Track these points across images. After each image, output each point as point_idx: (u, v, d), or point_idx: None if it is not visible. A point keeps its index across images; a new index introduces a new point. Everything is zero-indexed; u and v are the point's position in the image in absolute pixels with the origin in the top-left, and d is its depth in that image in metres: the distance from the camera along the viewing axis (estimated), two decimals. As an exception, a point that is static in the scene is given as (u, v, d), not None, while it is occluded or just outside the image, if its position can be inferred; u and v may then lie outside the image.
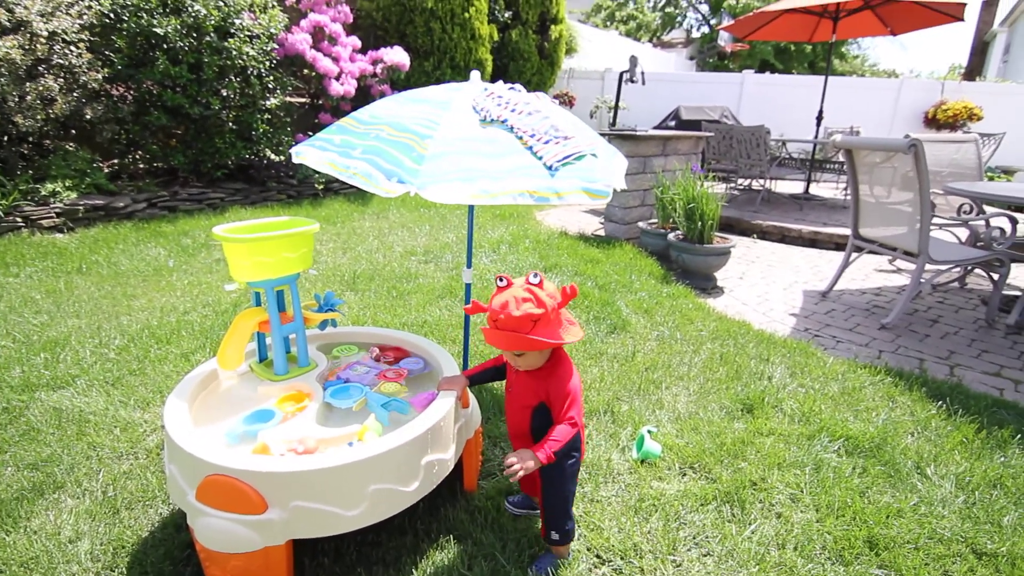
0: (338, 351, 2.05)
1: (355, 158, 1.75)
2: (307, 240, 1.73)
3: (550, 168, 1.72)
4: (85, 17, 5.09)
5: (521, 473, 1.34)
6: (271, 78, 6.17)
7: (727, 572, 1.62)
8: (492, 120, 1.81)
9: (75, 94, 5.06)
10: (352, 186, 7.45)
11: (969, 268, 4.69)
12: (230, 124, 5.96)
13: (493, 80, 1.91)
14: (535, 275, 1.43)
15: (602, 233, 5.86)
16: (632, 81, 5.89)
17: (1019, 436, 2.30)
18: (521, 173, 1.68)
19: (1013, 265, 3.73)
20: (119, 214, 5.31)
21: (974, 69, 19.11)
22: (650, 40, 22.60)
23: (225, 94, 5.76)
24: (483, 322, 1.51)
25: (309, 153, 1.86)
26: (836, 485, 1.97)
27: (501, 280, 1.44)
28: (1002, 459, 2.15)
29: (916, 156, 3.37)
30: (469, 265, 2.34)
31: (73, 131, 5.49)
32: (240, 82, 5.88)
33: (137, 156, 6.00)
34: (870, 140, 3.83)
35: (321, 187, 6.90)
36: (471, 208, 2.32)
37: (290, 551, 1.40)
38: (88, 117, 5.22)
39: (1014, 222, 3.76)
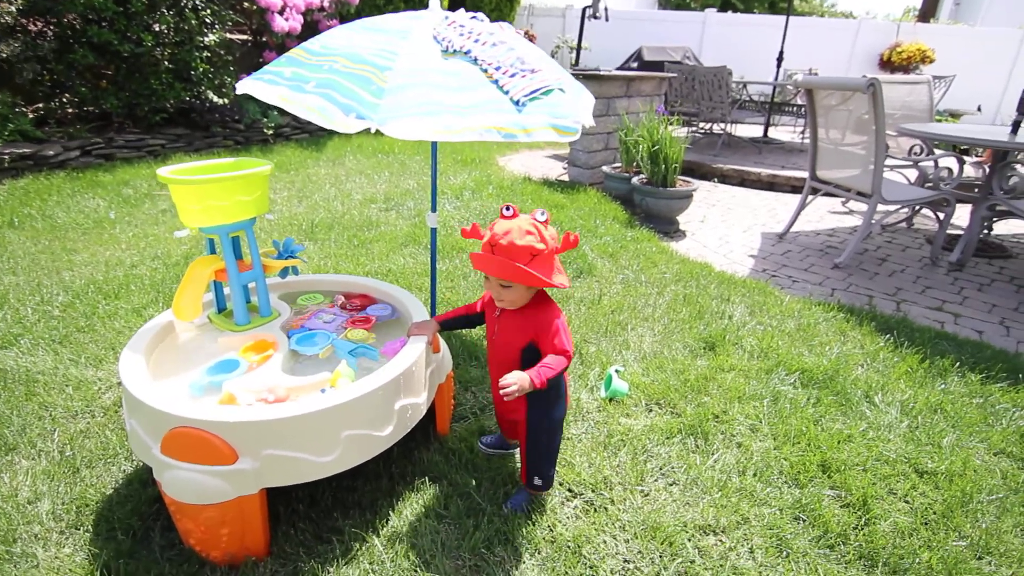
0: (302, 300, 1.98)
1: (309, 92, 1.63)
2: (261, 182, 1.63)
3: (517, 103, 1.65)
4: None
5: (516, 392, 1.33)
6: (208, 12, 5.69)
7: (692, 498, 1.71)
8: (455, 51, 1.72)
9: (-15, 27, 4.55)
10: (305, 131, 7.11)
11: (917, 208, 4.89)
12: (166, 63, 5.51)
13: (452, 10, 1.79)
14: (542, 213, 1.41)
15: (566, 178, 5.80)
16: (595, 17, 5.69)
17: (958, 365, 2.46)
18: (487, 108, 1.61)
19: (957, 205, 3.89)
20: (50, 163, 4.92)
21: (928, 11, 19.32)
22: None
23: (158, 29, 5.29)
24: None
25: (256, 87, 1.73)
26: (792, 415, 2.08)
27: (508, 209, 1.40)
28: (943, 386, 2.31)
29: (874, 95, 3.41)
30: (434, 210, 2.28)
31: (-13, 71, 4.97)
32: (174, 15, 5.40)
33: (64, 100, 5.51)
34: (831, 79, 3.86)
35: (271, 132, 6.54)
36: (434, 149, 2.23)
37: (264, 499, 1.39)
38: (4, 55, 4.72)
39: (961, 163, 3.90)
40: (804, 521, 1.64)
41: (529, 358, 1.49)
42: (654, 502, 1.69)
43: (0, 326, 2.48)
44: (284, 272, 1.86)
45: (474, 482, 1.71)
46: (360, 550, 1.48)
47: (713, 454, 1.89)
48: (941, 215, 4.02)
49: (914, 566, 1.49)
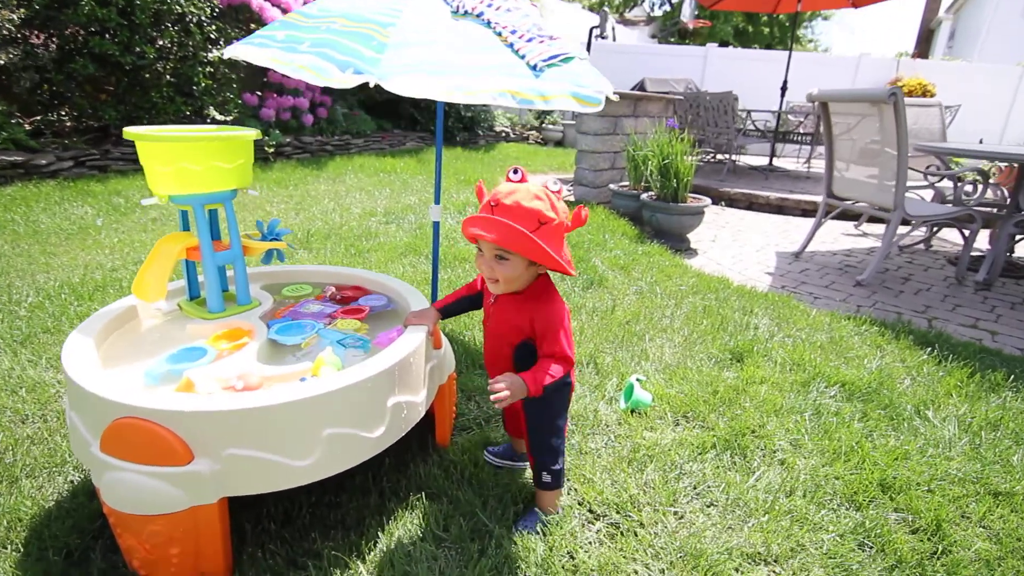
0: (287, 291, 1.77)
1: (302, 52, 1.46)
2: (244, 149, 1.44)
3: (534, 68, 1.48)
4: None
5: (508, 401, 1.11)
6: (213, 28, 5.65)
7: (735, 522, 1.46)
8: (466, 12, 1.56)
9: (-16, 35, 4.47)
10: (306, 151, 7.02)
11: (935, 230, 4.72)
12: (168, 77, 5.43)
13: None
14: (556, 182, 1.20)
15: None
16: (603, 37, 5.66)
17: (1012, 379, 2.23)
18: (501, 71, 1.44)
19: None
20: (41, 172, 4.77)
21: (921, 54, 19.75)
22: (614, 16, 22.35)
23: (162, 43, 5.23)
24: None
25: (246, 51, 1.57)
26: (838, 430, 1.83)
27: (515, 172, 1.20)
28: (998, 401, 2.07)
29: (896, 106, 3.28)
30: (437, 201, 2.09)
31: (-16, 79, 4.87)
32: (179, 31, 5.35)
33: (63, 113, 5.41)
34: (849, 91, 3.74)
35: (271, 150, 6.43)
36: (439, 135, 2.06)
37: (225, 512, 1.14)
38: (2, 63, 4.63)
39: (985, 178, 3.75)
40: (871, 549, 1.38)
41: (523, 355, 1.27)
42: (691, 526, 1.44)
43: (-43, 325, 2.26)
44: (268, 256, 1.66)
45: (479, 500, 1.47)
46: (341, 577, 1.23)
47: (754, 472, 1.64)
48: (966, 232, 3.84)
49: (1012, 605, 1.24)
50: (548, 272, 1.30)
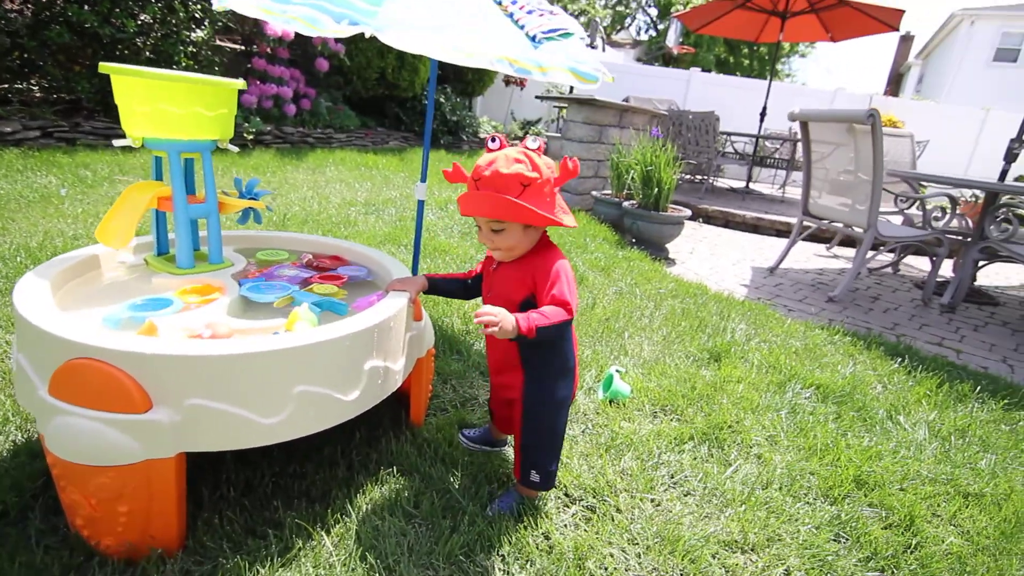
0: (262, 255, 1.69)
1: (295, 3, 1.41)
2: (227, 98, 1.38)
3: (533, 39, 1.46)
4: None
5: (493, 329, 1.04)
6: (198, 7, 5.53)
7: (712, 511, 1.43)
8: (467, -21, 1.53)
9: (-48, -8, 4.27)
10: (287, 141, 6.90)
11: (902, 255, 4.87)
12: (147, 53, 5.27)
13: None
14: (535, 140, 1.17)
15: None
16: (592, 47, 5.73)
17: (978, 391, 2.27)
18: (500, 38, 1.42)
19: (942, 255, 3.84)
20: (5, 140, 4.54)
21: (892, 95, 20.62)
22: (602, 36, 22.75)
23: (144, 18, 5.09)
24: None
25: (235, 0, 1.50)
26: (814, 428, 1.84)
27: (494, 141, 1.16)
28: (965, 410, 2.11)
29: (874, 126, 3.37)
30: (424, 180, 2.04)
31: (-51, 40, 4.64)
32: (162, 7, 5.21)
33: (33, 82, 5.19)
34: (829, 111, 3.84)
35: (251, 137, 6.29)
36: (429, 106, 2.01)
37: (182, 469, 1.07)
38: (-31, 23, 4.42)
39: (953, 204, 3.88)
40: (846, 541, 1.37)
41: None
42: (668, 513, 1.41)
43: None
44: (244, 216, 1.58)
45: (452, 478, 1.41)
46: (303, 549, 1.16)
47: (731, 464, 1.62)
48: (934, 257, 3.96)
49: (984, 597, 1.23)
50: (547, 231, 1.27)
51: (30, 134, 4.74)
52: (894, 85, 25.51)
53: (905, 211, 4.52)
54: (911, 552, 1.35)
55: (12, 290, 2.14)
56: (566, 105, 5.30)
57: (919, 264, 5.23)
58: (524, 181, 1.11)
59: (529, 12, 1.50)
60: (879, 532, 1.40)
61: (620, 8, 24.97)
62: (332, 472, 1.38)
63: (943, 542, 1.39)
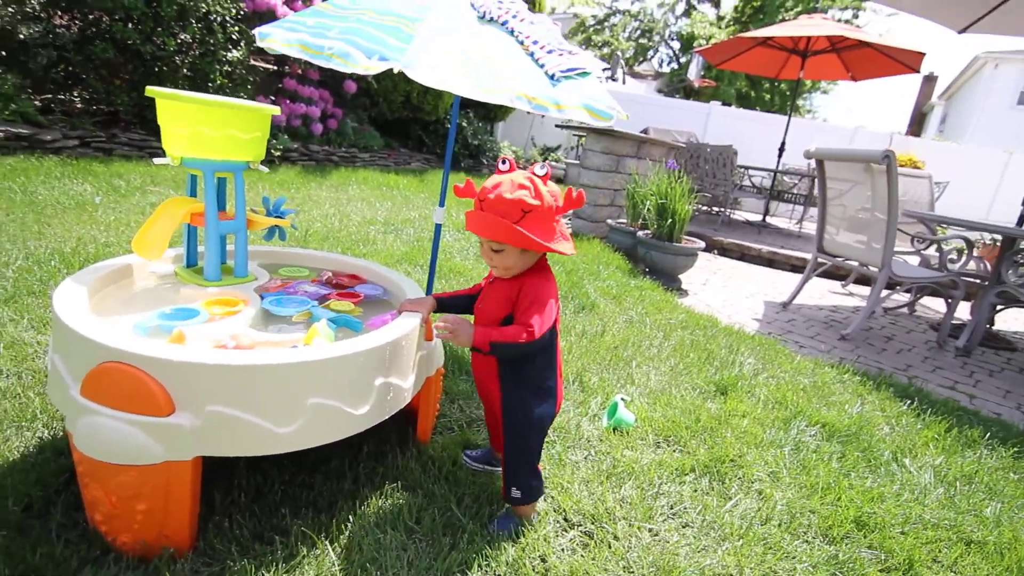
0: (284, 271, 1.77)
1: (331, 38, 1.51)
2: (261, 123, 1.47)
3: (552, 77, 1.53)
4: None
5: (446, 334, 1.20)
6: (236, 29, 5.78)
7: (709, 544, 1.44)
8: (491, 19, 1.62)
9: (10, 9, 4.53)
10: (312, 159, 7.09)
11: (919, 295, 4.83)
12: (184, 71, 5.51)
13: None
14: (543, 167, 1.23)
15: (569, 231, 5.73)
16: (612, 79, 5.85)
17: (987, 437, 2.25)
18: (520, 76, 1.49)
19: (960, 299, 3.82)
20: (45, 147, 4.76)
21: (914, 135, 20.56)
22: (622, 68, 23.14)
23: (183, 37, 5.32)
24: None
25: (276, 34, 1.61)
26: (817, 466, 1.84)
27: (504, 163, 1.24)
28: (974, 456, 2.09)
29: (889, 167, 3.40)
30: (442, 204, 2.12)
31: (3, 53, 4.91)
32: (201, 28, 5.46)
33: (75, 94, 5.45)
34: (845, 151, 3.88)
35: (278, 154, 6.49)
36: (451, 132, 2.10)
37: (198, 472, 1.12)
38: (22, 37, 4.68)
39: (970, 246, 3.87)
40: (842, 581, 1.37)
41: None
42: (665, 543, 1.42)
43: (-60, 278, 2.22)
44: (270, 233, 1.66)
45: (455, 496, 1.44)
46: (308, 556, 1.20)
47: (731, 498, 1.63)
48: (950, 299, 3.93)
49: (980, 646, 1.23)
50: (546, 255, 1.33)
51: (69, 143, 4.95)
52: (917, 125, 25.42)
53: (922, 252, 4.51)
54: (908, 596, 1.35)
55: (46, 292, 2.26)
56: (585, 134, 5.40)
57: (936, 306, 5.18)
58: (525, 208, 1.17)
59: (549, 52, 1.58)
60: (876, 575, 1.40)
61: (643, 41, 25.39)
62: (339, 484, 1.42)
63: (942, 588, 1.38)
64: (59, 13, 5.01)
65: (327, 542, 1.23)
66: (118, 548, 1.13)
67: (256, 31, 1.64)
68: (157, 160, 1.44)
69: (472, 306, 1.48)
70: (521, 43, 1.59)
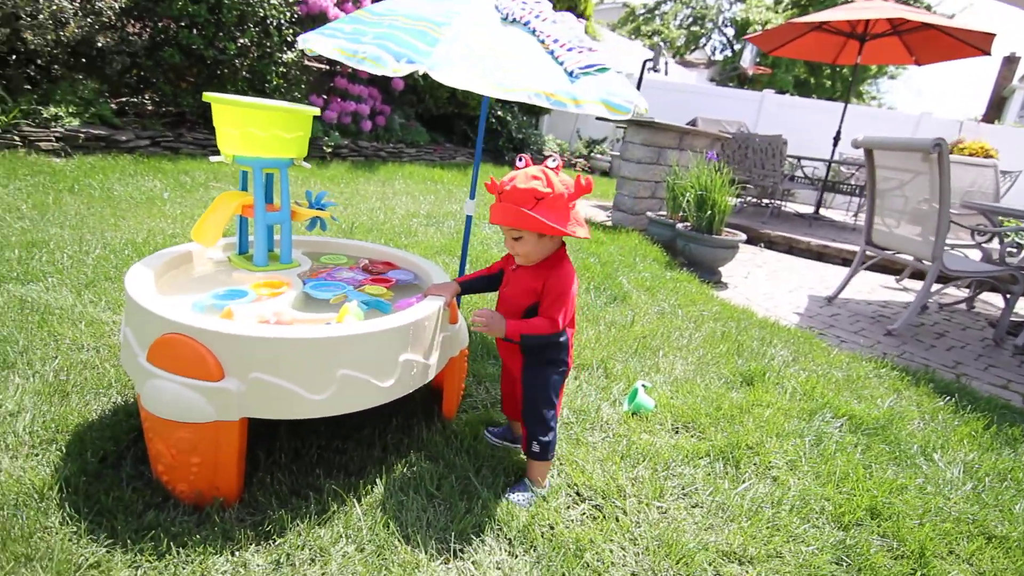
0: (325, 259, 1.92)
1: (365, 43, 1.64)
2: (304, 123, 1.61)
3: (571, 74, 1.61)
4: (109, -55, 4.98)
5: (482, 326, 1.34)
6: (291, 32, 6.07)
7: (717, 523, 1.49)
8: (514, 20, 1.71)
9: (89, 20, 4.95)
10: (361, 155, 7.36)
11: (978, 291, 4.59)
12: (244, 73, 5.85)
13: None
14: (554, 159, 1.33)
15: (609, 224, 5.75)
16: (655, 70, 5.81)
17: (1030, 435, 2.18)
18: (540, 73, 1.58)
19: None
20: (120, 147, 5.19)
21: (990, 121, 19.15)
22: (674, 56, 22.68)
23: (243, 41, 5.66)
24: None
25: (316, 41, 1.75)
26: (837, 456, 1.85)
27: (520, 160, 1.34)
28: (1012, 454, 2.03)
29: (940, 156, 3.27)
30: (472, 196, 2.23)
31: (83, 60, 5.36)
32: (259, 32, 5.78)
33: (146, 97, 5.89)
34: (894, 139, 3.73)
35: (329, 150, 6.79)
36: (480, 135, 2.21)
37: (244, 432, 1.27)
38: (100, 45, 5.10)
39: (1033, 240, 3.66)
40: (847, 565, 1.40)
41: (530, 317, 1.42)
42: (672, 520, 1.49)
43: (33, 264, 2.51)
44: (312, 224, 1.82)
45: (473, 467, 1.55)
46: (337, 512, 1.33)
47: (744, 483, 1.67)
48: (1008, 294, 3.74)
49: (984, 632, 1.24)
50: (564, 243, 1.42)
51: (141, 143, 5.37)
52: (996, 110, 23.64)
53: (983, 245, 4.29)
54: (915, 582, 1.36)
55: (121, 277, 2.51)
56: (626, 126, 5.39)
57: (999, 302, 4.90)
58: (538, 196, 1.27)
59: (569, 49, 1.65)
60: (884, 561, 1.42)
61: (695, 28, 24.71)
62: (369, 451, 1.56)
63: (951, 576, 1.39)
64: (132, 22, 5.42)
65: (355, 500, 1.37)
66: (176, 496, 1.30)
67: (299, 37, 1.79)
68: (213, 158, 1.61)
69: (492, 285, 1.59)
70: (542, 42, 1.67)
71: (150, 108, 5.90)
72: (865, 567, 1.39)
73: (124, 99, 5.80)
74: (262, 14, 5.66)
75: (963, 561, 1.48)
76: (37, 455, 1.41)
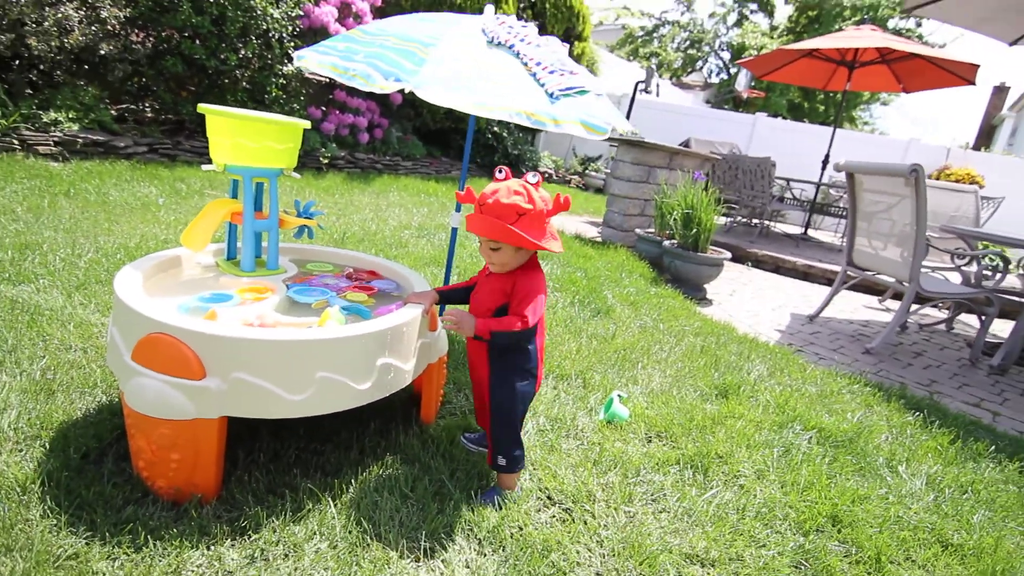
0: (311, 266, 1.98)
1: (356, 62, 1.71)
2: (294, 134, 1.68)
3: (551, 95, 1.69)
4: (115, -44, 5.09)
5: (451, 325, 1.39)
6: (292, 45, 6.19)
7: (682, 527, 1.54)
8: (499, 43, 1.79)
9: (93, 28, 5.04)
10: (357, 166, 7.45)
11: (955, 313, 4.68)
12: (244, 83, 5.95)
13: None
14: (534, 175, 1.39)
15: (599, 240, 5.83)
16: (647, 91, 5.94)
17: (993, 450, 2.24)
18: (521, 94, 1.65)
19: (995, 319, 3.70)
20: (118, 153, 5.25)
21: (979, 148, 19.50)
22: (670, 78, 23.04)
23: (244, 53, 5.76)
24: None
25: (311, 56, 1.83)
26: (803, 466, 1.90)
27: (500, 172, 1.40)
28: (975, 468, 2.09)
29: (916, 180, 3.37)
30: (458, 209, 2.30)
31: (86, 67, 5.45)
32: (261, 44, 5.89)
33: (146, 105, 5.97)
34: (873, 164, 3.85)
35: (326, 161, 6.87)
36: (467, 143, 2.28)
37: (223, 430, 1.32)
38: (103, 53, 5.19)
39: (1006, 262, 3.76)
40: (806, 568, 1.45)
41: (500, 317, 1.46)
42: (639, 524, 1.54)
43: (26, 265, 2.55)
44: (300, 232, 1.88)
45: (448, 470, 1.60)
46: (312, 510, 1.38)
47: (711, 490, 1.72)
48: (983, 316, 3.83)
49: (930, 635, 1.29)
50: (537, 254, 1.48)
51: (139, 149, 5.43)
52: (985, 137, 24.08)
53: (962, 268, 4.39)
54: (870, 588, 1.41)
55: (112, 281, 2.55)
56: (618, 145, 5.51)
57: (977, 323, 4.99)
58: (520, 211, 1.33)
59: (551, 72, 1.74)
60: (841, 565, 1.47)
61: (692, 51, 25.15)
62: (346, 453, 1.61)
63: (904, 582, 1.44)
64: (135, 31, 5.52)
65: (330, 499, 1.41)
66: (156, 492, 1.34)
67: (294, 53, 1.87)
68: (205, 166, 1.68)
69: (467, 296, 1.64)
70: (525, 64, 1.75)
71: (149, 115, 5.97)
72: (822, 570, 1.44)
73: (124, 106, 5.88)
74: (265, 27, 5.77)
75: (918, 567, 1.53)
76: (21, 451, 1.45)
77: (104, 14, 5.04)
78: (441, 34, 1.74)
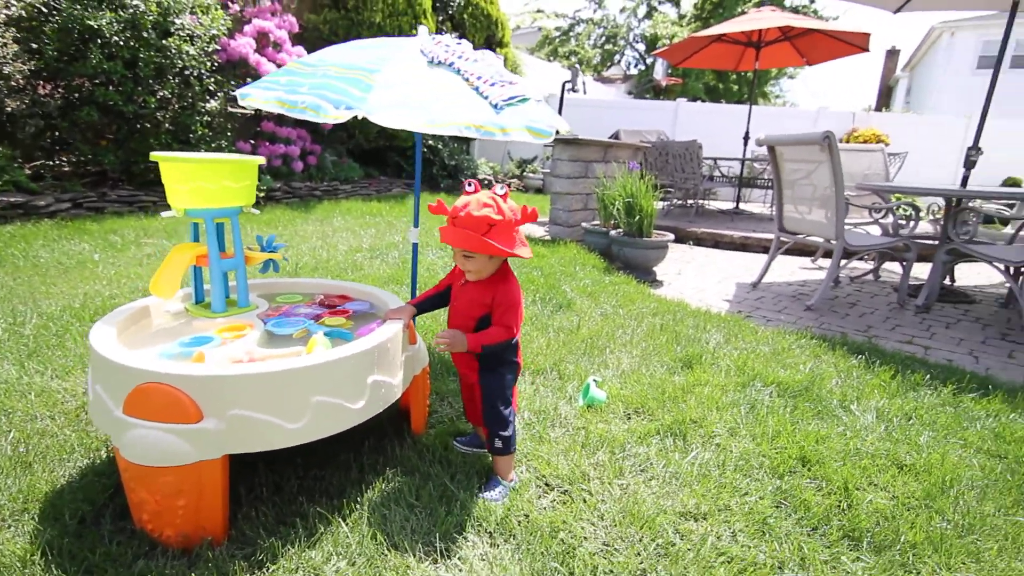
0: (281, 299, 2.00)
1: (302, 94, 1.75)
2: (250, 172, 1.70)
3: (495, 106, 1.78)
4: (13, 9, 4.84)
5: (444, 346, 1.49)
6: (212, 80, 6.05)
7: (672, 490, 1.66)
8: (439, 63, 1.87)
9: (-5, 85, 4.78)
10: (295, 196, 7.33)
11: (880, 262, 5.10)
12: (167, 125, 5.77)
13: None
14: (502, 187, 1.49)
15: (548, 238, 5.98)
16: (574, 90, 6.16)
17: (928, 379, 2.49)
18: (468, 108, 1.74)
19: (917, 261, 4.08)
20: (40, 212, 4.98)
21: (881, 110, 21.04)
22: (592, 75, 23.70)
23: (162, 94, 5.59)
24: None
25: (255, 93, 1.85)
26: (769, 418, 2.07)
27: (469, 185, 1.49)
28: (915, 396, 2.33)
29: (830, 146, 3.67)
30: (416, 224, 2.36)
31: (-10, 126, 5.15)
32: (179, 83, 5.73)
33: (63, 159, 5.69)
34: (790, 136, 4.16)
35: (262, 194, 6.73)
36: (418, 165, 2.35)
37: (226, 468, 1.34)
38: (9, 110, 4.92)
39: (916, 211, 4.14)
40: (786, 507, 1.60)
41: (483, 327, 1.56)
42: (633, 493, 1.65)
43: (-32, 341, 2.43)
44: (265, 267, 1.90)
45: (448, 474, 1.66)
46: (324, 533, 1.41)
47: (692, 452, 1.86)
48: (904, 262, 4.20)
49: (899, 543, 1.45)
50: (507, 260, 1.58)
51: (62, 206, 5.18)
52: (884, 98, 26.00)
53: (880, 221, 4.78)
54: (843, 513, 1.58)
55: (64, 344, 2.46)
56: (552, 144, 5.68)
57: (899, 269, 5.45)
58: (490, 223, 1.42)
59: (492, 84, 1.83)
60: (815, 498, 1.63)
61: (609, 46, 25.95)
62: (346, 474, 1.64)
63: (871, 504, 1.61)
64: (42, 83, 5.26)
65: (340, 520, 1.45)
66: (164, 542, 1.34)
67: (237, 92, 1.89)
68: (164, 214, 1.67)
69: (444, 301, 1.72)
70: (467, 80, 1.84)
71: (67, 169, 5.69)
72: (800, 506, 1.59)
73: (39, 162, 5.58)
74: (181, 65, 5.61)
75: (880, 489, 1.71)
76: (11, 526, 1.41)
77: (7, 69, 4.79)
78: (383, 59, 1.81)
